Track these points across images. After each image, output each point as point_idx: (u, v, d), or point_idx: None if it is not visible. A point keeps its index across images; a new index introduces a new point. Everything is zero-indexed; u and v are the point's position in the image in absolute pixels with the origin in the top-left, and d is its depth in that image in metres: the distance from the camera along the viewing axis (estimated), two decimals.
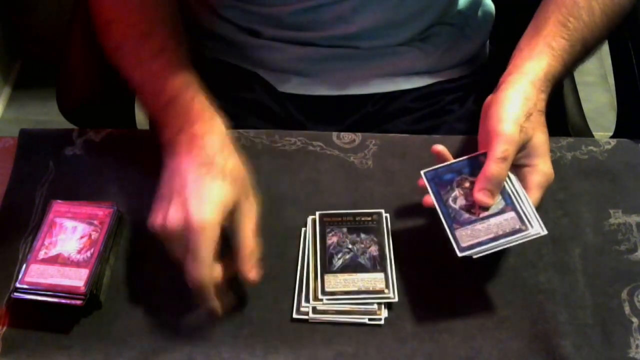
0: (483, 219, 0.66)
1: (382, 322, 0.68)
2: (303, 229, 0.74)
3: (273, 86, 0.94)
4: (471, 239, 0.65)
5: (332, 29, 0.89)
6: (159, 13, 0.78)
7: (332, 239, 0.73)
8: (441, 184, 0.69)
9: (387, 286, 0.69)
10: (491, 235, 0.65)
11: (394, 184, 0.78)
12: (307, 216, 0.75)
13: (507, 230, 0.65)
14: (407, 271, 0.71)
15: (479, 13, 0.98)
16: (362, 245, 0.72)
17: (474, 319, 0.68)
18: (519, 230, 0.65)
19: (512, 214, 0.66)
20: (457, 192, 0.68)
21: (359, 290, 0.69)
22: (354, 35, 0.89)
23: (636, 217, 0.76)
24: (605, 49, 0.96)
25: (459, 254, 0.65)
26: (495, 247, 0.65)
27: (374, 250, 0.72)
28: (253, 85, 0.94)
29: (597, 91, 1.91)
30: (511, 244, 0.65)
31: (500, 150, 0.65)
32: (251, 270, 0.66)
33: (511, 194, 0.67)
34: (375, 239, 0.73)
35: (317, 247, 0.72)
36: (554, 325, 0.68)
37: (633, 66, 0.91)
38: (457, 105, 0.95)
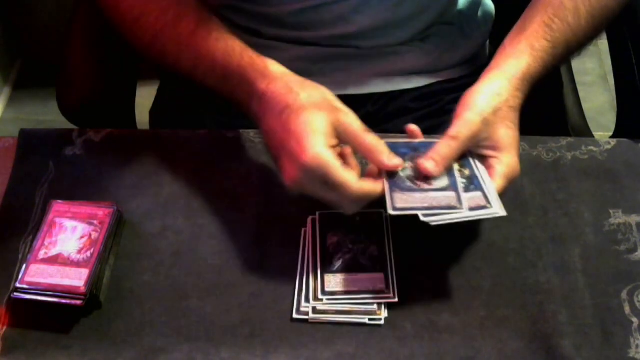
0: (423, 190, 0.68)
1: (382, 322, 0.68)
2: (303, 229, 0.74)
3: None
4: (405, 203, 0.66)
5: (332, 28, 0.89)
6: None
7: (332, 239, 0.73)
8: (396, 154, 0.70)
9: (387, 286, 0.69)
10: (426, 205, 0.66)
11: None
12: (307, 216, 0.75)
13: (444, 204, 0.66)
14: (407, 271, 0.71)
15: (479, 13, 0.98)
16: (362, 245, 0.72)
17: (474, 319, 0.68)
18: (483, 207, 0.66)
19: (477, 193, 0.67)
20: (407, 164, 0.69)
21: (359, 290, 0.69)
22: (354, 35, 0.89)
23: (636, 217, 0.76)
24: (605, 49, 0.96)
25: (391, 212, 0.65)
26: (427, 214, 0.65)
27: (374, 250, 0.72)
28: None
29: (597, 91, 1.91)
30: (471, 219, 0.66)
31: (455, 130, 0.69)
32: (390, 158, 0.68)
33: (478, 178, 0.69)
34: (375, 239, 0.72)
35: (317, 247, 0.72)
36: (554, 325, 0.68)
37: (633, 66, 0.91)
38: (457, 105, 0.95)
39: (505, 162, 0.69)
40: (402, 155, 0.70)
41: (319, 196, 0.68)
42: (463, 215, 0.66)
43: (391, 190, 0.67)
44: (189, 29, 0.76)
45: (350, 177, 0.66)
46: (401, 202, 0.66)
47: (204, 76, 0.76)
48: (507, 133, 0.70)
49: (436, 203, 0.66)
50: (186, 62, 0.77)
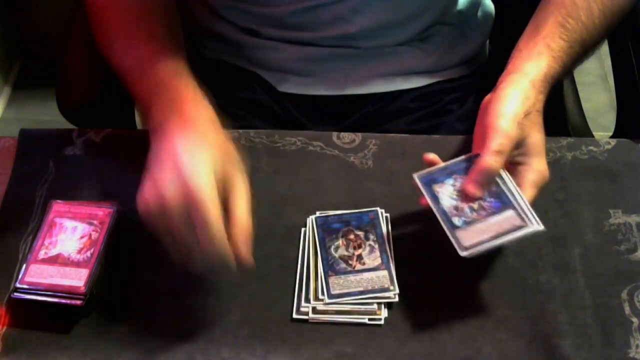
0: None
1: (382, 322, 0.68)
2: (303, 229, 0.74)
3: (273, 86, 0.94)
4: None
5: (331, 29, 0.89)
6: (151, 2, 0.78)
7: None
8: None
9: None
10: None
11: (394, 184, 0.78)
12: (307, 216, 0.75)
13: (507, 228, 0.65)
14: (407, 271, 0.71)
15: (479, 13, 0.98)
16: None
17: (474, 319, 0.68)
18: (519, 227, 0.65)
19: (510, 212, 0.66)
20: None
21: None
22: (353, 35, 0.89)
23: (636, 217, 0.76)
24: (605, 49, 0.96)
25: (462, 254, 0.64)
26: (496, 245, 0.65)
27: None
28: (253, 85, 0.94)
29: (597, 91, 1.91)
30: (510, 241, 0.65)
31: (497, 143, 0.66)
32: (246, 252, 0.63)
33: (507, 193, 0.67)
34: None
35: (317, 248, 0.72)
36: (554, 325, 0.68)
37: (633, 66, 0.91)
38: (457, 105, 0.95)
39: (536, 168, 0.68)
40: (441, 182, 0.68)
41: (168, 229, 0.62)
42: (530, 230, 0.64)
43: (453, 229, 0.65)
44: (143, 36, 0.75)
45: (221, 227, 0.60)
46: (468, 240, 0.65)
47: (133, 82, 0.73)
48: (539, 138, 0.69)
49: (501, 229, 0.65)
50: (127, 64, 0.74)
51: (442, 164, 0.70)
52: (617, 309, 0.69)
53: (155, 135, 0.68)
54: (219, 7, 0.92)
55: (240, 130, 0.83)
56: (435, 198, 0.68)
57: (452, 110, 0.95)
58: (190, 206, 0.60)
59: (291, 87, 0.93)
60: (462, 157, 0.70)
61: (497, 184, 0.67)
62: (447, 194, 0.68)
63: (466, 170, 0.68)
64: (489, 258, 0.72)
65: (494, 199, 0.67)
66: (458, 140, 0.82)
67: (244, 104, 0.94)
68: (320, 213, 0.75)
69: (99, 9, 0.80)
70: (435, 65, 0.94)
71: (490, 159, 0.66)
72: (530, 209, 0.66)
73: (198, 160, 0.62)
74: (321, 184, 0.79)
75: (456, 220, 0.66)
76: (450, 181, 0.69)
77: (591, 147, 0.82)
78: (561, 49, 0.73)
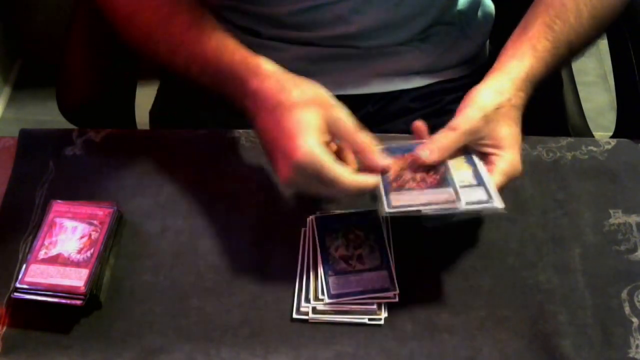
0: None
1: (382, 322, 0.68)
2: (303, 229, 0.74)
3: None
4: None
5: (331, 28, 0.89)
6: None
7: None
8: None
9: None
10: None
11: None
12: (307, 216, 0.75)
13: (440, 200, 0.66)
14: (407, 271, 0.71)
15: (479, 13, 0.98)
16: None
17: (474, 319, 0.68)
18: (484, 202, 0.66)
19: (449, 189, 0.67)
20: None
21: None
22: (353, 35, 0.89)
23: (636, 217, 0.76)
24: (605, 49, 0.96)
25: (387, 210, 0.65)
26: (423, 211, 0.65)
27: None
28: None
29: (597, 91, 1.91)
30: (470, 212, 0.66)
31: (454, 122, 0.69)
32: (381, 157, 0.69)
33: (479, 173, 0.68)
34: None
35: (317, 248, 0.72)
36: (554, 325, 0.68)
37: (633, 66, 0.91)
38: (457, 105, 0.94)
39: (507, 159, 0.69)
40: (398, 158, 0.70)
41: (314, 192, 0.69)
42: (461, 208, 0.65)
43: (386, 191, 0.67)
44: (182, 27, 0.76)
45: (343, 172, 0.66)
46: (397, 201, 0.66)
47: (198, 75, 0.76)
48: (508, 131, 0.70)
49: (434, 200, 0.66)
50: (179, 61, 0.77)
51: (408, 141, 0.72)
52: (617, 309, 0.69)
53: (246, 112, 0.72)
54: (220, 7, 0.92)
55: (240, 130, 0.83)
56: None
57: (452, 110, 0.93)
58: (315, 173, 0.65)
59: None
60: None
61: (472, 165, 0.69)
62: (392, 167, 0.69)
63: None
64: (489, 258, 0.72)
65: (466, 176, 0.68)
66: None
67: None
68: (320, 213, 0.75)
69: (127, 16, 0.79)
70: (435, 65, 0.94)
71: (443, 133, 0.69)
72: (495, 189, 0.66)
73: (301, 129, 0.66)
74: None
75: (393, 186, 0.68)
76: (403, 154, 0.71)
77: (591, 147, 0.82)
78: (546, 50, 0.74)
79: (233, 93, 0.73)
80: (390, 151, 0.71)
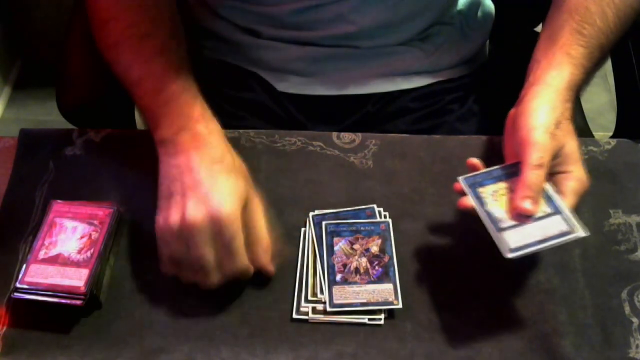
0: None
1: (382, 322, 0.68)
2: (303, 229, 0.74)
3: (273, 86, 0.94)
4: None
5: (331, 28, 0.89)
6: (159, 13, 0.77)
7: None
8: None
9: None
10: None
11: (394, 184, 0.78)
12: (307, 216, 0.75)
13: (553, 233, 0.64)
14: (408, 271, 0.71)
15: (479, 13, 0.98)
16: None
17: (474, 319, 0.68)
18: (566, 233, 0.64)
19: (556, 217, 0.65)
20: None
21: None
22: (353, 34, 0.89)
23: (636, 217, 0.76)
24: None
25: (507, 255, 0.63)
26: (541, 248, 0.64)
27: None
28: (253, 85, 0.94)
29: (597, 91, 1.91)
30: (555, 246, 0.64)
31: (536, 157, 0.65)
32: (269, 263, 0.69)
33: (551, 200, 0.66)
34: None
35: (316, 248, 0.72)
36: (554, 325, 0.68)
37: (633, 66, 0.91)
38: (457, 105, 0.95)
39: (576, 176, 0.68)
40: (486, 186, 0.68)
41: (186, 255, 0.66)
42: (576, 236, 0.64)
43: (499, 230, 0.65)
44: (153, 50, 0.74)
45: (243, 249, 0.66)
46: (515, 242, 0.64)
47: (145, 95, 0.74)
48: (573, 146, 0.68)
49: (547, 232, 0.64)
50: (135, 77, 0.75)
51: (486, 169, 0.70)
52: (617, 309, 0.69)
53: (164, 149, 0.70)
54: (219, 7, 0.92)
55: (241, 130, 0.83)
56: (480, 200, 0.68)
57: (452, 110, 0.95)
58: (218, 231, 0.65)
59: (291, 87, 0.93)
60: (504, 164, 0.69)
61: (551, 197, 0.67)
62: (490, 196, 0.68)
63: (509, 176, 0.68)
64: (489, 258, 0.72)
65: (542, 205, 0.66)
66: (458, 140, 0.82)
67: (244, 104, 0.94)
68: (318, 211, 0.75)
69: (104, 20, 0.78)
70: (435, 65, 0.94)
71: (533, 174, 0.65)
72: (574, 215, 0.65)
73: (223, 187, 0.66)
74: (321, 184, 0.79)
75: (502, 223, 0.66)
76: (493, 184, 0.68)
77: (591, 147, 0.82)
78: (581, 56, 0.72)
79: (169, 120, 0.71)
80: (478, 183, 0.68)
